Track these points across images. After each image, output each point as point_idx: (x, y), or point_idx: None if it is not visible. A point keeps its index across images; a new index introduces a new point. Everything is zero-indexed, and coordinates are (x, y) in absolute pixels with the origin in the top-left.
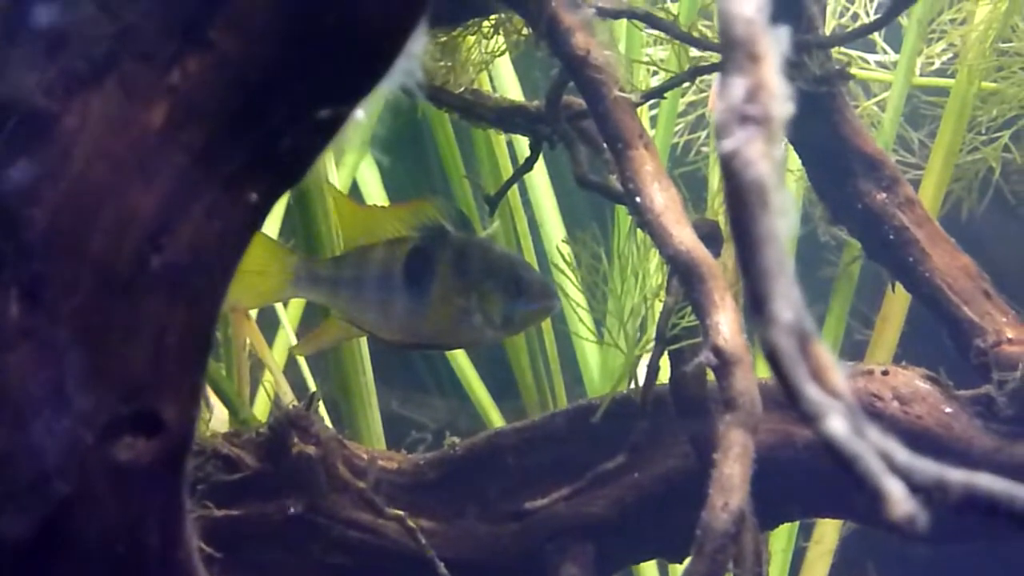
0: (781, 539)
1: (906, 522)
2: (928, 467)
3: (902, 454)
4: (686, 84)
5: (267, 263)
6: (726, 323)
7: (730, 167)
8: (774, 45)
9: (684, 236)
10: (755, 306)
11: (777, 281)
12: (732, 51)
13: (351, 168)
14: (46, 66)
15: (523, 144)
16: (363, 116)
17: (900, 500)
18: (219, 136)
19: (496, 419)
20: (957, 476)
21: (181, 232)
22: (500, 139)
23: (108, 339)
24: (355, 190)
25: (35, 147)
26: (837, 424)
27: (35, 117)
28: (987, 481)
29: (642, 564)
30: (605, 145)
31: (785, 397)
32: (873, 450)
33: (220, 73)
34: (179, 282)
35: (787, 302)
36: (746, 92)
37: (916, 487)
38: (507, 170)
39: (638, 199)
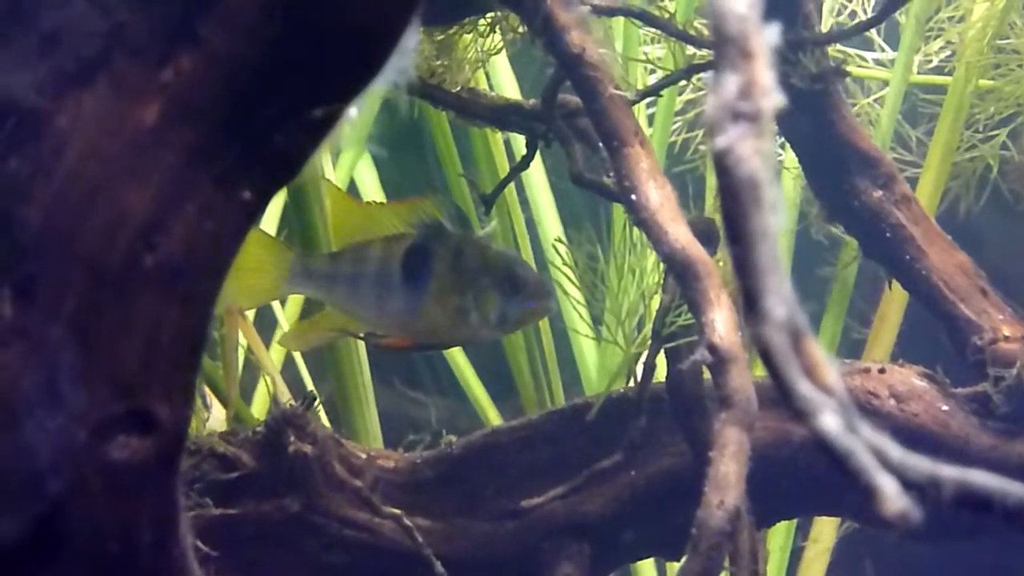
0: (779, 537)
1: (899, 519)
2: (921, 463)
3: (895, 451)
4: (683, 82)
5: (262, 259)
6: (721, 321)
7: (723, 164)
8: (767, 42)
9: (679, 234)
10: (748, 303)
11: (770, 277)
12: (725, 48)
13: (348, 167)
14: (38, 64)
15: (520, 142)
16: (357, 114)
17: (893, 496)
18: (212, 134)
19: (494, 418)
20: (950, 472)
21: (174, 230)
22: (497, 137)
23: (101, 338)
24: (352, 188)
25: (27, 146)
26: (830, 420)
27: (27, 116)
28: (981, 478)
29: (639, 562)
30: (601, 143)
31: (779, 394)
32: (866, 446)
33: (213, 71)
34: (172, 281)
35: (780, 298)
36: (739, 89)
37: (909, 484)
38: (504, 168)
39: (633, 197)
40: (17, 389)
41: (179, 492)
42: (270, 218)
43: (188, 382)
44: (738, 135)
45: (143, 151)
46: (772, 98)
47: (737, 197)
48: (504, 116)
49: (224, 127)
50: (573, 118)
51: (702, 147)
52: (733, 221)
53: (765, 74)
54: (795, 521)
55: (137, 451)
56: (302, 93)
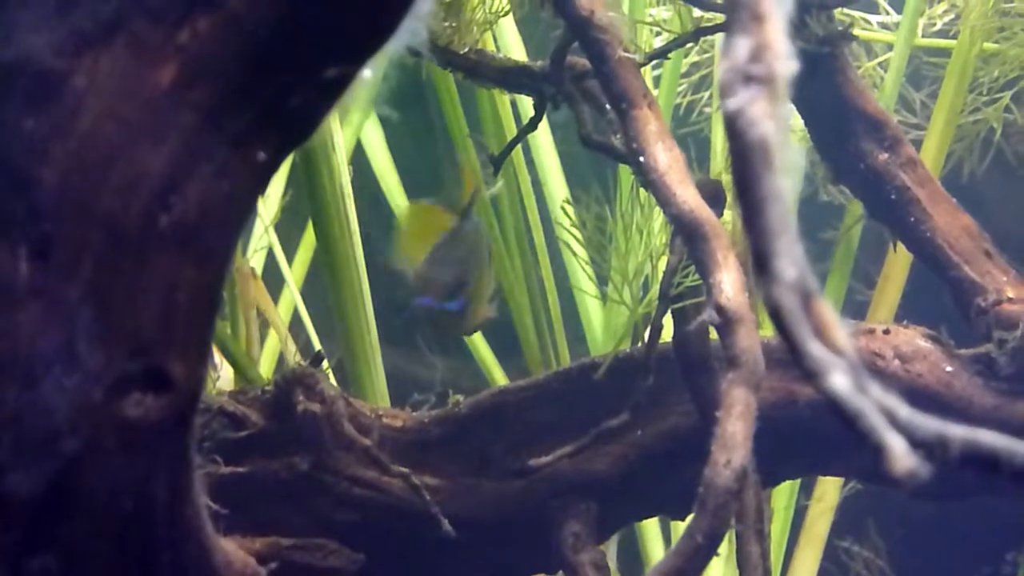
0: (783, 497)
1: (908, 477)
2: (930, 423)
3: (904, 410)
4: (689, 45)
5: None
6: (729, 282)
7: (734, 127)
8: (778, 5)
9: (687, 195)
10: (759, 264)
11: (781, 239)
12: (736, 11)
13: (356, 127)
14: (55, 25)
15: (527, 103)
16: (370, 75)
17: (902, 456)
18: (228, 95)
19: (499, 377)
20: (958, 432)
21: (190, 191)
22: (504, 99)
23: (117, 297)
24: (359, 149)
25: (44, 107)
26: (840, 381)
27: (44, 77)
28: (988, 437)
29: (644, 521)
30: (609, 105)
31: (788, 355)
32: (875, 406)
33: (229, 32)
34: (188, 241)
35: (791, 260)
36: (750, 52)
37: (918, 443)
38: (511, 130)
39: (642, 159)
40: (33, 347)
41: (193, 451)
42: (277, 177)
43: (203, 341)
44: (749, 98)
45: (159, 112)
46: (786, 62)
47: (748, 160)
48: (512, 78)
49: (240, 88)
50: (581, 80)
51: (707, 109)
52: (743, 184)
53: (778, 38)
54: (799, 480)
55: (152, 409)
56: (317, 54)
